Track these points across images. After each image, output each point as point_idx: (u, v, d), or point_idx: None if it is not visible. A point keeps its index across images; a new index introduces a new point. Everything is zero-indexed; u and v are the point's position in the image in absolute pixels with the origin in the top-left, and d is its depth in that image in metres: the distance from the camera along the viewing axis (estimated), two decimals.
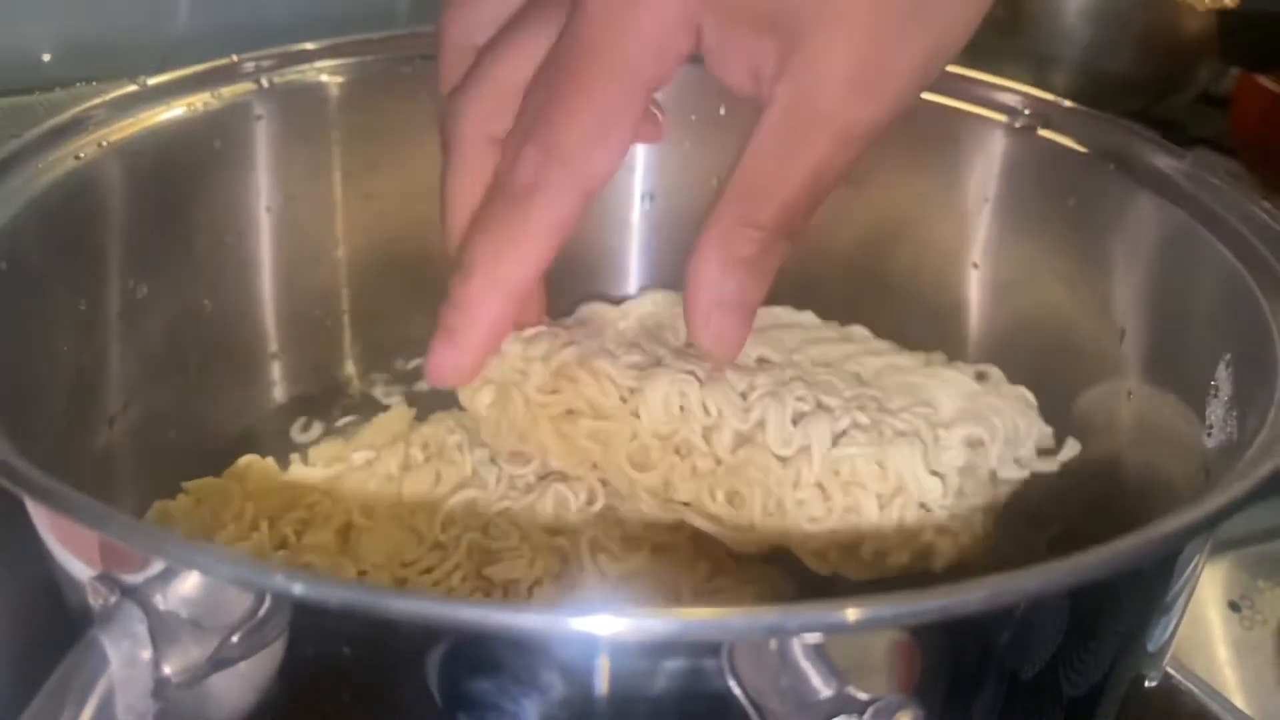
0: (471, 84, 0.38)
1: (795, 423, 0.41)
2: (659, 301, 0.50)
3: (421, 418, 0.53)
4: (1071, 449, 0.44)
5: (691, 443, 0.42)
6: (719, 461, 0.42)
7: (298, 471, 0.47)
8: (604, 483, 0.45)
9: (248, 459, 0.46)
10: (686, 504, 0.42)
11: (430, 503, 0.45)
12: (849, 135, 0.34)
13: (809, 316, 0.50)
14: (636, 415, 0.42)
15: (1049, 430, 0.44)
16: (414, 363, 0.56)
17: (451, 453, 0.47)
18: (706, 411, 0.42)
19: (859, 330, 0.49)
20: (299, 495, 0.45)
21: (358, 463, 0.47)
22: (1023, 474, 0.43)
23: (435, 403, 0.54)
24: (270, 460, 0.47)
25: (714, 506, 0.41)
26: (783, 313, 0.50)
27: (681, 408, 0.42)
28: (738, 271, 0.35)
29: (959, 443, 0.41)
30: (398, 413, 0.51)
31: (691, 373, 0.42)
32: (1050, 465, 0.44)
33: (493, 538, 0.44)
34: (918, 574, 0.42)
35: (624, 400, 0.42)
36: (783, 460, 0.41)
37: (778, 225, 0.35)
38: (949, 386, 0.45)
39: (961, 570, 0.42)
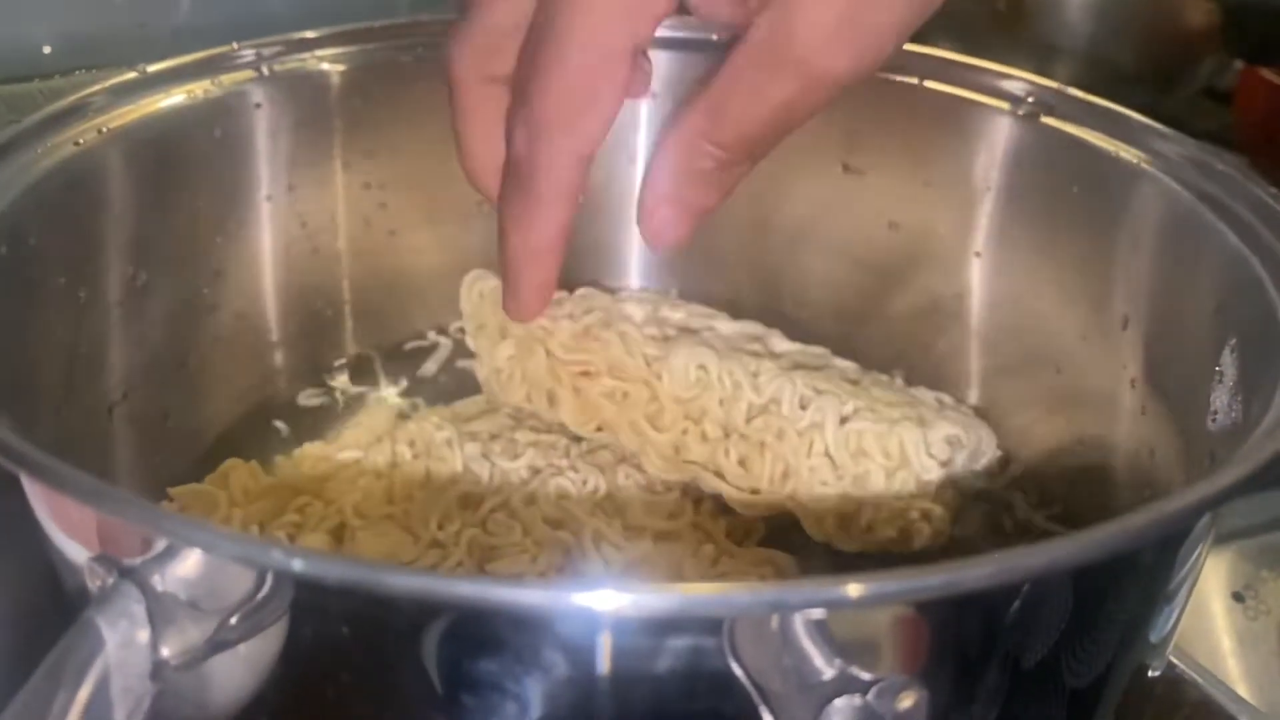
0: (463, 28, 0.39)
1: (804, 406, 0.44)
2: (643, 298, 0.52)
3: (422, 406, 0.53)
4: (1015, 469, 0.48)
5: (708, 409, 0.45)
6: (730, 431, 0.44)
7: (283, 473, 0.46)
8: (603, 455, 0.46)
9: (231, 462, 0.46)
10: (696, 463, 0.45)
11: (423, 500, 0.45)
12: (821, 82, 0.34)
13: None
14: (659, 379, 0.45)
15: (999, 452, 0.47)
16: (415, 350, 0.56)
17: (440, 449, 0.46)
18: (724, 383, 0.44)
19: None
20: (288, 498, 0.45)
21: (344, 462, 0.46)
22: (980, 484, 0.46)
23: (436, 393, 0.54)
24: (254, 463, 0.46)
25: (727, 465, 0.44)
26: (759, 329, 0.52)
27: (700, 378, 0.45)
28: (692, 182, 0.37)
29: (941, 439, 0.44)
30: (380, 410, 0.50)
31: (710, 347, 0.46)
32: (998, 483, 0.47)
33: (493, 534, 0.43)
34: (901, 556, 0.44)
35: (648, 365, 0.45)
36: (798, 431, 0.43)
37: (738, 149, 0.36)
38: (923, 394, 0.48)
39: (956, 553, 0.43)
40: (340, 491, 0.45)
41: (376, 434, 0.48)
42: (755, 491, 0.44)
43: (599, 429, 0.47)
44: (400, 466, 0.46)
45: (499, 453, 0.46)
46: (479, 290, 0.50)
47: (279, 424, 0.52)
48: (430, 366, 0.56)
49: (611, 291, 0.52)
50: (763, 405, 0.44)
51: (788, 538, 0.45)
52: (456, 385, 0.54)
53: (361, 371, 0.55)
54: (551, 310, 0.47)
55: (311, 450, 0.47)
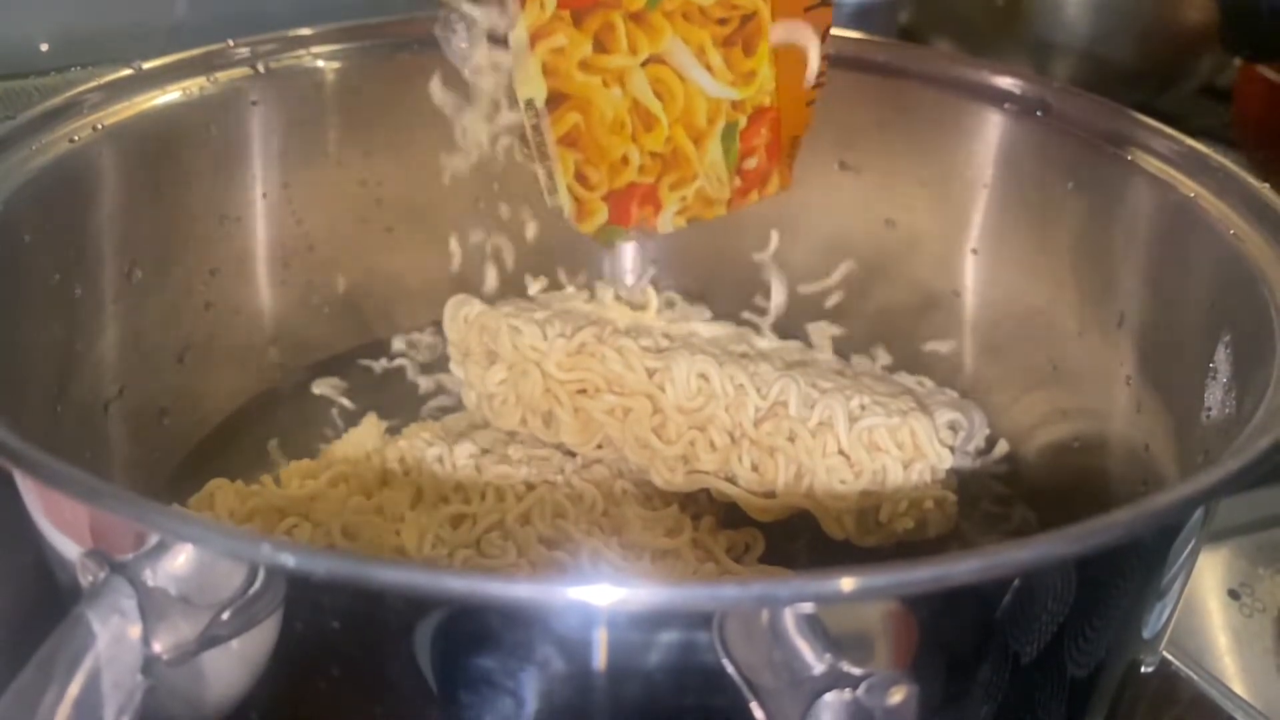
0: None
1: (809, 405, 0.44)
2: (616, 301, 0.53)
3: (417, 408, 0.53)
4: (1002, 448, 0.48)
5: (714, 417, 0.44)
6: (739, 436, 0.44)
7: (269, 493, 0.45)
8: (598, 469, 0.46)
9: (216, 482, 0.45)
10: (707, 473, 0.45)
11: (414, 520, 0.44)
12: None
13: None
14: (661, 390, 0.45)
15: (987, 431, 0.48)
16: (411, 350, 0.56)
17: (431, 465, 0.46)
18: (726, 389, 0.44)
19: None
20: (275, 520, 0.44)
21: (333, 480, 0.46)
22: (972, 464, 0.46)
23: (430, 392, 0.54)
24: (240, 483, 0.45)
25: (740, 470, 0.44)
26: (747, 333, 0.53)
27: (701, 387, 0.44)
28: None
29: (945, 424, 0.44)
30: (368, 426, 0.50)
31: (707, 354, 0.45)
32: (986, 461, 0.48)
33: (487, 555, 0.43)
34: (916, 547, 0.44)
35: (649, 377, 0.45)
36: (810, 431, 0.43)
37: None
38: (905, 379, 0.49)
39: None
40: (328, 512, 0.44)
41: (365, 450, 0.47)
42: (770, 495, 0.44)
43: (599, 447, 0.46)
44: (389, 486, 0.45)
45: (491, 469, 0.46)
46: (463, 316, 0.49)
47: (274, 421, 0.52)
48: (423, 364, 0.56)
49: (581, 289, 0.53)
50: (769, 408, 0.44)
51: (787, 552, 0.45)
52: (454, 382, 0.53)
53: (358, 367, 0.55)
54: (543, 330, 0.47)
55: (299, 467, 0.46)
